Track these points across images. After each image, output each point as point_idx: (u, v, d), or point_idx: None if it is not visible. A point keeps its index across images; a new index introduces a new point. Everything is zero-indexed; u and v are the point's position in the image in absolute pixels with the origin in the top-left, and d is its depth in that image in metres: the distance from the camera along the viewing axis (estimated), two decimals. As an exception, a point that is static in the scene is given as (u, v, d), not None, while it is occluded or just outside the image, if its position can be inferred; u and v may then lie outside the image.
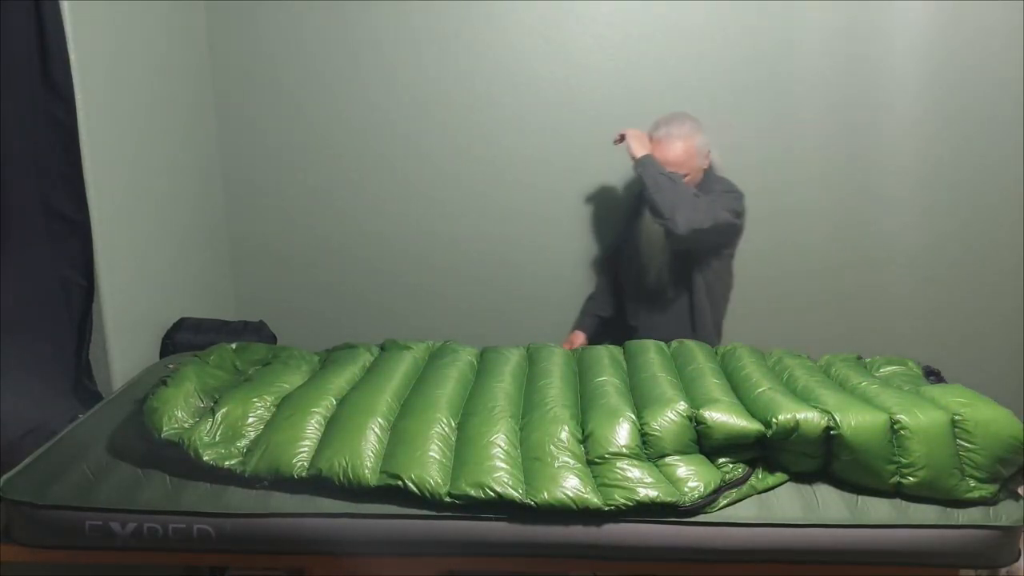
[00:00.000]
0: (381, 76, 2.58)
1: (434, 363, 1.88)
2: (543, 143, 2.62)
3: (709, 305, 2.32)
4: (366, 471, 1.46)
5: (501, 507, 1.43)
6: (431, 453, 1.48)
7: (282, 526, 1.46)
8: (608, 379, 1.76)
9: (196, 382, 1.66)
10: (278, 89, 2.61)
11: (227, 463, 1.48)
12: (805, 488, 1.52)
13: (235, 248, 2.75)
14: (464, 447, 1.52)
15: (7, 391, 1.64)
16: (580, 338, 2.50)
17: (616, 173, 2.64)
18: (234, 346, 1.95)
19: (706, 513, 1.45)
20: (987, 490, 1.46)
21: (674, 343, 2.03)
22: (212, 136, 2.62)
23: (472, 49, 2.56)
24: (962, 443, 1.47)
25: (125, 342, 1.98)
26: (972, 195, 2.62)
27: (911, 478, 1.46)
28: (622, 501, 1.42)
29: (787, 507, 1.47)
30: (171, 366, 1.87)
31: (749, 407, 1.59)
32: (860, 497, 1.49)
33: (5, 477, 1.51)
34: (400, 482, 1.43)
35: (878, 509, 1.46)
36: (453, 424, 1.58)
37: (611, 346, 2.04)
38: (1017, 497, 1.50)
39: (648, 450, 1.52)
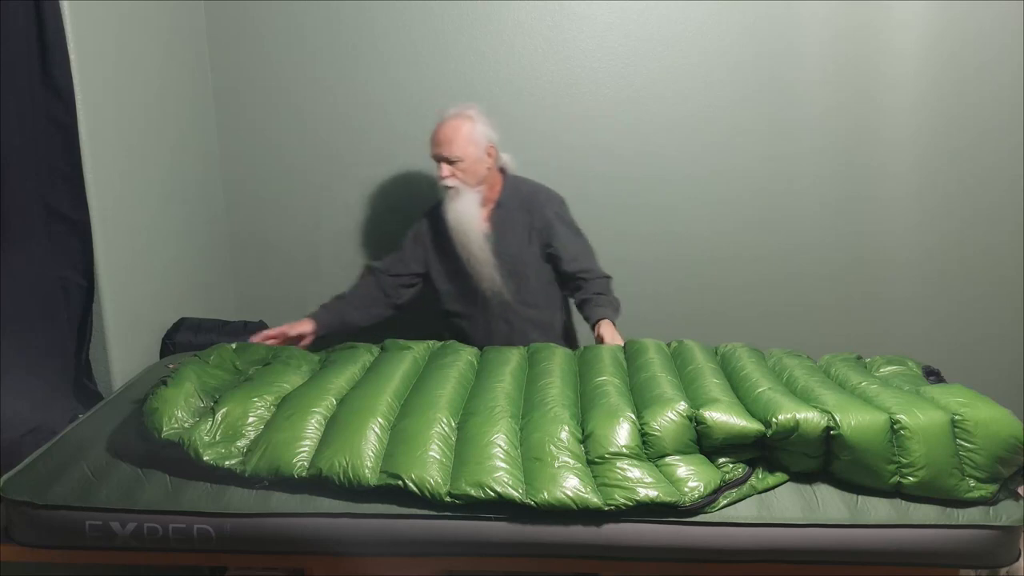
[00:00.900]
0: (381, 76, 2.58)
1: (434, 363, 1.87)
2: (542, 143, 2.62)
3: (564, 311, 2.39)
4: (366, 471, 1.46)
5: (501, 507, 1.43)
6: (431, 453, 1.48)
7: (282, 526, 1.46)
8: (608, 379, 1.75)
9: (196, 382, 1.65)
10: (278, 89, 2.61)
11: (227, 463, 1.48)
12: (805, 488, 1.51)
13: (235, 248, 2.75)
14: (464, 447, 1.51)
15: (7, 391, 1.64)
16: (307, 326, 2.18)
17: (616, 173, 2.64)
18: (234, 346, 1.94)
19: (706, 513, 1.45)
20: (987, 490, 1.46)
21: (674, 343, 2.02)
22: (212, 136, 2.62)
23: (471, 49, 2.56)
24: (962, 443, 1.47)
25: (125, 342, 1.98)
26: (972, 197, 2.62)
27: (911, 478, 1.46)
28: (622, 501, 1.42)
29: (787, 507, 1.47)
30: (171, 366, 1.87)
31: (749, 407, 1.58)
32: (860, 497, 1.49)
33: (5, 477, 1.51)
34: (400, 482, 1.43)
35: (878, 509, 1.46)
36: (453, 424, 1.58)
37: (612, 346, 2.04)
38: (1017, 497, 1.50)
39: (648, 450, 1.51)
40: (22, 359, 1.70)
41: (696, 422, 1.53)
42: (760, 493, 1.50)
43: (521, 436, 1.55)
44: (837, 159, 2.61)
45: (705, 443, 1.53)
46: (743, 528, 1.44)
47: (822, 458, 1.51)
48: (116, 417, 1.71)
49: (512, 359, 1.90)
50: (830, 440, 1.48)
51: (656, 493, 1.43)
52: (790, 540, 1.44)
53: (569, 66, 2.57)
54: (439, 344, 2.03)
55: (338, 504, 1.47)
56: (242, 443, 1.52)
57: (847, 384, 1.70)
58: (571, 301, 2.38)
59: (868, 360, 1.92)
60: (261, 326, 2.33)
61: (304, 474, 1.47)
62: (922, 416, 1.48)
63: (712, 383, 1.69)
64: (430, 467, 1.45)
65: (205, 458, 1.47)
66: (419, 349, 1.96)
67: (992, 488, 1.46)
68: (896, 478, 1.46)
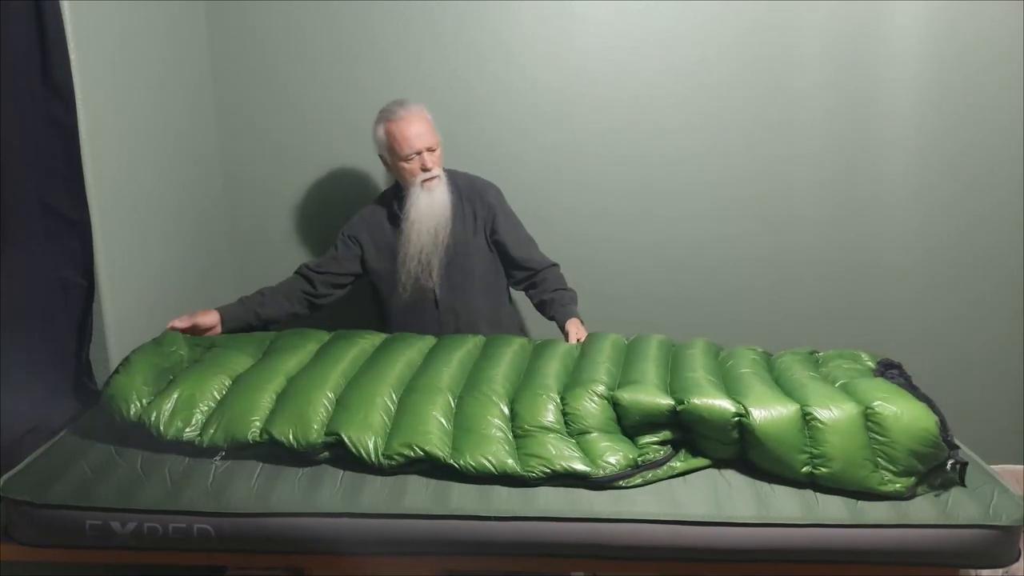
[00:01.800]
0: (381, 76, 2.58)
1: (385, 348, 1.95)
2: (542, 143, 2.62)
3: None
4: (312, 433, 1.57)
5: (432, 469, 1.55)
6: (371, 419, 1.60)
7: (282, 526, 1.46)
8: (550, 363, 1.86)
9: (148, 366, 1.75)
10: (278, 89, 2.61)
11: (185, 436, 1.60)
12: (805, 488, 1.52)
13: (235, 247, 2.75)
14: (402, 416, 1.63)
15: (7, 391, 1.64)
16: (211, 317, 2.10)
17: (614, 175, 2.64)
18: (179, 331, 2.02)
19: (618, 488, 1.52)
20: (902, 483, 1.48)
21: (634, 336, 2.08)
22: (212, 135, 2.62)
23: (471, 49, 2.56)
24: (875, 436, 1.50)
25: (125, 342, 1.98)
26: (973, 200, 2.62)
27: (823, 469, 1.50)
28: (540, 469, 1.53)
29: (787, 507, 1.47)
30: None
31: (673, 389, 1.68)
32: (860, 497, 1.49)
33: (5, 477, 1.51)
34: (338, 438, 1.56)
35: (878, 509, 1.46)
36: (395, 397, 1.69)
37: (567, 343, 2.08)
38: (939, 491, 1.51)
39: (570, 427, 1.63)
40: (22, 359, 1.70)
41: (614, 402, 1.64)
42: (683, 475, 1.57)
43: (456, 411, 1.67)
44: (837, 161, 2.61)
45: (625, 422, 1.63)
46: (743, 528, 1.45)
47: (736, 446, 1.57)
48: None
49: (465, 346, 1.97)
50: (742, 428, 1.54)
51: (571, 464, 1.53)
52: (790, 540, 1.45)
53: (568, 66, 2.57)
54: (395, 335, 2.07)
55: (338, 504, 1.47)
56: (199, 418, 1.63)
57: (783, 378, 1.76)
58: (514, 293, 2.41)
59: (821, 354, 1.96)
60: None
61: (257, 438, 1.58)
62: (834, 409, 1.53)
63: (644, 367, 1.79)
64: (369, 429, 1.58)
65: (167, 435, 1.59)
66: (372, 339, 2.02)
67: (907, 482, 1.49)
68: (808, 468, 1.51)
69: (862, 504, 1.47)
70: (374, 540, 1.47)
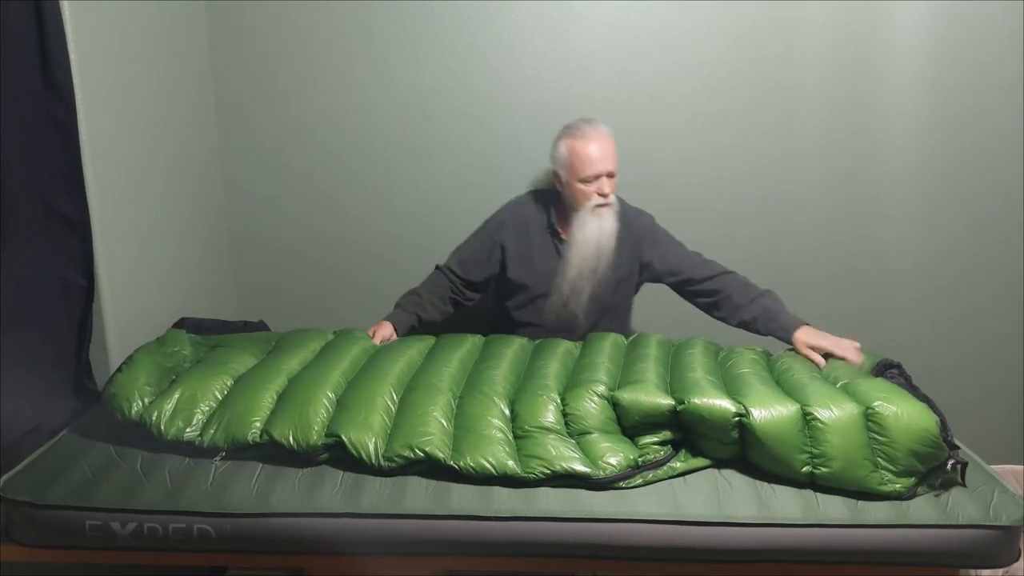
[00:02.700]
0: (380, 76, 2.58)
1: (385, 349, 1.95)
2: (542, 144, 2.61)
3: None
4: (313, 434, 1.57)
5: (429, 466, 1.55)
6: (372, 419, 1.60)
7: (282, 526, 1.46)
8: (550, 363, 1.85)
9: (150, 366, 1.75)
10: (278, 89, 2.61)
11: (186, 436, 1.59)
12: (805, 488, 1.52)
13: (235, 248, 2.75)
14: (402, 416, 1.63)
15: (7, 391, 1.64)
16: (388, 329, 2.15)
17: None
18: (183, 330, 2.02)
19: (619, 489, 1.52)
20: (902, 483, 1.49)
21: (633, 335, 2.09)
22: (212, 136, 2.62)
23: (471, 49, 2.56)
24: (875, 436, 1.50)
25: (125, 342, 1.98)
26: (974, 200, 2.62)
27: (823, 468, 1.50)
28: (540, 470, 1.52)
29: (787, 507, 1.47)
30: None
31: (674, 388, 1.67)
32: (860, 497, 1.49)
33: (5, 477, 1.51)
34: (338, 439, 1.55)
35: (878, 509, 1.46)
36: (395, 397, 1.69)
37: (568, 342, 2.08)
38: (938, 491, 1.51)
39: (570, 427, 1.63)
40: (22, 359, 1.70)
41: (614, 402, 1.64)
42: (682, 476, 1.57)
43: (456, 411, 1.67)
44: (837, 161, 2.61)
45: (625, 422, 1.64)
46: (743, 528, 1.45)
47: (737, 445, 1.57)
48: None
49: (464, 345, 1.98)
50: (742, 428, 1.55)
51: (571, 465, 1.53)
52: (790, 540, 1.45)
53: (569, 67, 2.57)
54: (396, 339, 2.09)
55: (338, 504, 1.47)
56: (199, 418, 1.63)
57: (783, 378, 1.76)
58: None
59: None
60: (261, 326, 2.33)
61: (258, 439, 1.58)
62: (835, 409, 1.53)
63: (644, 367, 1.78)
64: (369, 430, 1.57)
65: (167, 435, 1.59)
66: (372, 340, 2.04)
67: (907, 482, 1.49)
68: (808, 468, 1.51)
69: (862, 504, 1.47)
70: (374, 540, 1.47)
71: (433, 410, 1.63)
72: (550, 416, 1.63)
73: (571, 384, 1.73)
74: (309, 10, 2.53)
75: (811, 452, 1.51)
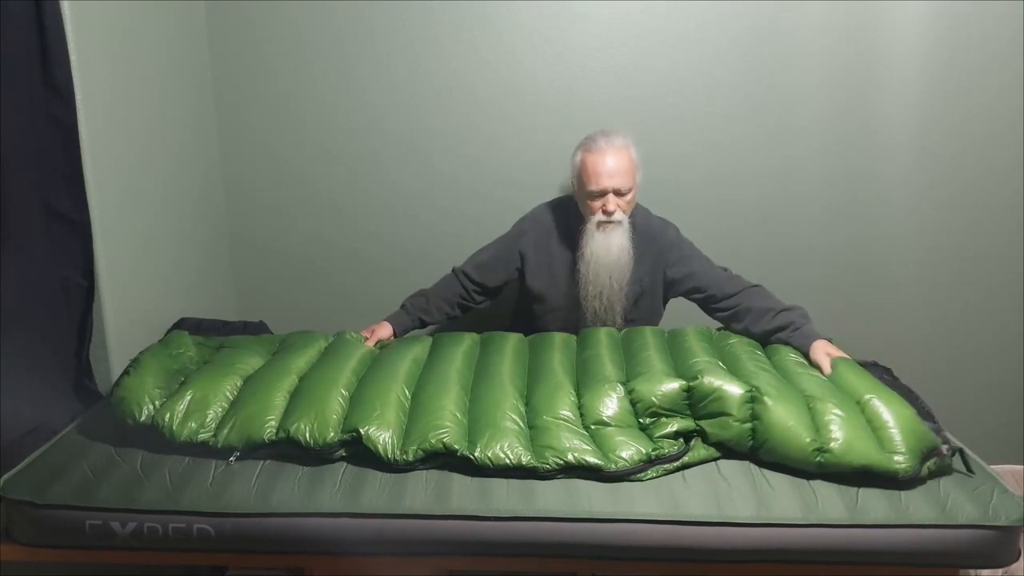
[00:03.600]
0: (380, 76, 2.58)
1: (389, 348, 1.99)
2: (542, 144, 2.62)
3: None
4: (329, 431, 1.57)
5: (444, 461, 1.56)
6: (388, 414, 1.61)
7: (282, 526, 1.46)
8: (556, 357, 1.89)
9: (157, 368, 1.75)
10: (278, 89, 2.61)
11: (199, 437, 1.59)
12: (805, 488, 1.52)
13: (235, 248, 2.75)
14: (417, 411, 1.65)
15: (7, 391, 1.65)
16: (387, 330, 2.17)
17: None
18: (183, 330, 2.04)
19: (632, 481, 1.54)
20: (907, 460, 1.51)
21: (626, 329, 2.12)
22: (212, 136, 2.62)
23: (471, 50, 2.56)
24: (870, 421, 1.59)
25: (125, 342, 1.98)
26: (974, 199, 2.62)
27: (832, 444, 1.53)
28: (553, 461, 1.54)
29: (787, 507, 1.47)
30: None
31: (681, 373, 1.73)
32: (860, 497, 1.49)
33: (5, 477, 1.51)
34: (356, 433, 1.55)
35: (878, 509, 1.46)
36: (408, 393, 1.71)
37: (563, 333, 2.11)
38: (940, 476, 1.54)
39: (585, 420, 1.65)
40: (22, 359, 1.70)
41: (629, 394, 1.69)
42: (693, 467, 1.60)
43: (470, 404, 1.69)
44: (837, 161, 2.61)
45: (640, 408, 1.67)
46: (743, 528, 1.45)
47: (749, 424, 1.61)
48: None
49: (464, 342, 2.01)
50: (754, 405, 1.61)
51: (584, 457, 1.54)
52: (790, 540, 1.45)
53: (569, 67, 2.57)
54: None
55: (338, 504, 1.47)
56: (211, 419, 1.63)
57: (780, 366, 1.85)
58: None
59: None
60: (261, 326, 2.34)
61: (273, 438, 1.58)
62: (838, 396, 1.64)
63: (648, 356, 1.84)
64: (386, 425, 1.58)
65: (180, 437, 1.58)
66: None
67: (913, 460, 1.51)
68: (816, 446, 1.54)
69: (862, 504, 1.47)
70: (374, 540, 1.47)
71: (447, 404, 1.65)
72: (566, 408, 1.66)
73: (586, 379, 1.77)
74: (309, 10, 2.53)
75: (818, 429, 1.57)
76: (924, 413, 1.64)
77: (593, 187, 2.10)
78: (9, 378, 1.66)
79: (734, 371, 1.75)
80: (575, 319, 2.24)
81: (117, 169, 1.98)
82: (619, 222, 2.11)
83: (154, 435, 1.60)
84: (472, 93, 2.59)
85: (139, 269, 2.09)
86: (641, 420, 1.67)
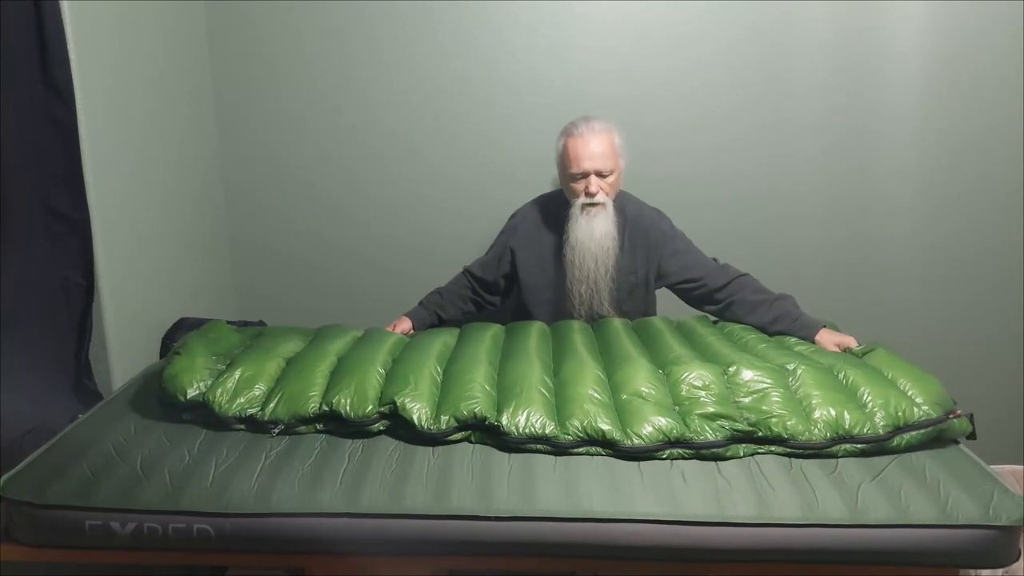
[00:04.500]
0: (380, 76, 2.59)
1: (420, 334, 2.11)
2: (542, 144, 2.61)
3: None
4: (368, 404, 1.66)
5: (477, 428, 1.63)
6: (421, 388, 1.69)
7: (282, 526, 1.46)
8: (577, 339, 1.98)
9: (204, 350, 1.84)
10: (278, 89, 2.61)
11: (248, 412, 1.69)
12: (805, 488, 1.52)
13: (235, 248, 2.75)
14: (449, 384, 1.73)
15: (7, 391, 1.65)
16: (407, 324, 2.23)
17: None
18: (224, 321, 2.12)
19: (646, 460, 1.58)
20: (935, 410, 1.60)
21: (637, 320, 2.19)
22: (212, 136, 2.62)
23: (471, 49, 2.56)
24: (896, 383, 1.70)
25: (125, 342, 1.98)
26: (974, 198, 2.62)
27: (871, 415, 1.62)
28: (575, 430, 1.59)
29: (787, 507, 1.47)
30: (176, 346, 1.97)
31: (709, 360, 1.81)
32: (860, 497, 1.49)
33: (5, 477, 1.51)
34: (393, 406, 1.64)
35: (878, 509, 1.46)
36: (440, 369, 1.80)
37: (580, 321, 2.17)
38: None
39: (614, 398, 1.69)
40: (22, 359, 1.70)
41: (665, 375, 1.75)
42: (718, 461, 1.60)
43: (498, 378, 1.76)
44: (837, 160, 2.62)
45: (675, 391, 1.70)
46: (743, 528, 1.44)
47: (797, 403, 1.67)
48: (116, 417, 1.72)
49: (491, 328, 2.09)
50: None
51: (604, 428, 1.59)
52: (790, 540, 1.44)
53: (569, 66, 2.57)
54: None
55: (338, 504, 1.47)
56: (259, 395, 1.72)
57: (792, 350, 1.94)
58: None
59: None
60: (261, 326, 2.34)
61: (316, 411, 1.66)
62: (860, 367, 1.77)
63: (671, 342, 1.93)
64: (420, 397, 1.66)
65: (229, 411, 1.67)
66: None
67: (939, 410, 1.60)
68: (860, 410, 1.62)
69: (862, 504, 1.47)
70: (374, 540, 1.47)
71: (477, 377, 1.72)
72: (594, 382, 1.71)
73: (615, 360, 1.83)
74: (309, 10, 2.53)
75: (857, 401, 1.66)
76: None
77: (575, 169, 2.13)
78: (9, 378, 1.66)
79: (750, 353, 1.85)
80: (565, 308, 2.25)
81: (117, 169, 1.98)
82: (602, 204, 2.14)
83: (202, 411, 1.69)
84: (472, 93, 2.59)
85: (139, 269, 2.09)
86: (678, 406, 1.67)
